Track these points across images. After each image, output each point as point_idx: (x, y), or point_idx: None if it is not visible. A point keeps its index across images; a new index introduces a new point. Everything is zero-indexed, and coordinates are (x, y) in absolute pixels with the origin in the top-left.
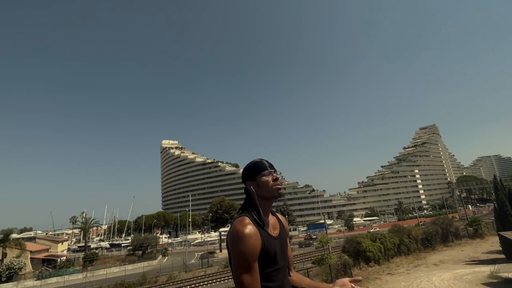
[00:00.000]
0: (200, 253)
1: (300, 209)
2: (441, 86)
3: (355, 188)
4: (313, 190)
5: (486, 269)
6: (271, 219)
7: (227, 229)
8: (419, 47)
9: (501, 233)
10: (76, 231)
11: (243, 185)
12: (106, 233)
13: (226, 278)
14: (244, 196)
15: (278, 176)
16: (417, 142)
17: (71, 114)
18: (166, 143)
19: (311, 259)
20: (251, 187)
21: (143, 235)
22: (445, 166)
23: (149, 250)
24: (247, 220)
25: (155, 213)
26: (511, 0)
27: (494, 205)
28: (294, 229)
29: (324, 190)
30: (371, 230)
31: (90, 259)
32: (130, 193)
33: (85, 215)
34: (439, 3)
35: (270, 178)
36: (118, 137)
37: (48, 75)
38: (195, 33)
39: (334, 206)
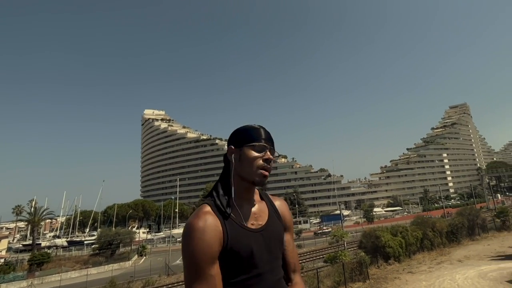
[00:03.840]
0: None
1: (313, 198)
2: (474, 59)
3: (376, 174)
4: (329, 175)
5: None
6: (257, 204)
7: None
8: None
9: None
10: (22, 224)
11: None
12: (64, 227)
13: None
14: None
15: (271, 157)
16: (446, 122)
17: (13, 78)
18: (149, 113)
19: (323, 257)
20: (233, 156)
21: (113, 229)
22: (475, 150)
23: (121, 249)
24: (206, 208)
25: (132, 201)
26: None
27: None
28: (305, 221)
29: (341, 176)
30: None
31: (38, 261)
32: (97, 177)
33: (35, 204)
34: None
35: (260, 155)
36: (80, 104)
37: None
38: None
39: (353, 194)
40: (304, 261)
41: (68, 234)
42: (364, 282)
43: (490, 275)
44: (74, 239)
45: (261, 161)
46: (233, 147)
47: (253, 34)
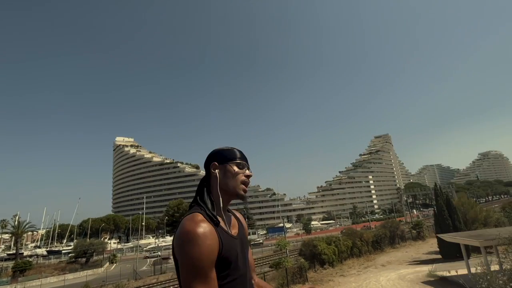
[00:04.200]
0: (153, 259)
1: (261, 213)
2: (396, 97)
3: (314, 192)
4: (274, 194)
5: (425, 268)
6: (228, 216)
7: None
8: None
9: (439, 235)
10: (6, 236)
11: None
12: (44, 238)
13: None
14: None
15: (251, 174)
16: (372, 149)
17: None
18: (120, 140)
19: (269, 263)
20: (217, 171)
21: (88, 240)
22: (395, 173)
23: (94, 257)
24: (200, 217)
25: (104, 216)
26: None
27: (434, 209)
28: (254, 233)
29: (284, 194)
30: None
31: (21, 268)
32: (75, 195)
33: (18, 218)
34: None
35: (242, 171)
36: (61, 133)
37: None
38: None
39: (294, 210)
40: None
41: (47, 245)
42: (303, 284)
43: (408, 277)
44: (53, 249)
45: (243, 177)
46: (217, 163)
47: (213, 70)
